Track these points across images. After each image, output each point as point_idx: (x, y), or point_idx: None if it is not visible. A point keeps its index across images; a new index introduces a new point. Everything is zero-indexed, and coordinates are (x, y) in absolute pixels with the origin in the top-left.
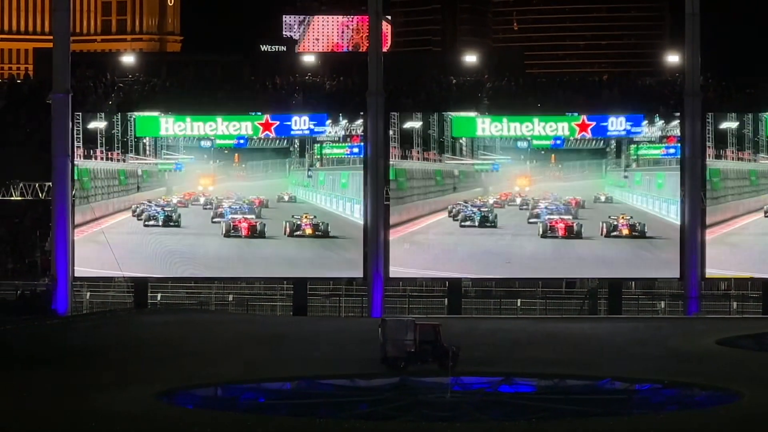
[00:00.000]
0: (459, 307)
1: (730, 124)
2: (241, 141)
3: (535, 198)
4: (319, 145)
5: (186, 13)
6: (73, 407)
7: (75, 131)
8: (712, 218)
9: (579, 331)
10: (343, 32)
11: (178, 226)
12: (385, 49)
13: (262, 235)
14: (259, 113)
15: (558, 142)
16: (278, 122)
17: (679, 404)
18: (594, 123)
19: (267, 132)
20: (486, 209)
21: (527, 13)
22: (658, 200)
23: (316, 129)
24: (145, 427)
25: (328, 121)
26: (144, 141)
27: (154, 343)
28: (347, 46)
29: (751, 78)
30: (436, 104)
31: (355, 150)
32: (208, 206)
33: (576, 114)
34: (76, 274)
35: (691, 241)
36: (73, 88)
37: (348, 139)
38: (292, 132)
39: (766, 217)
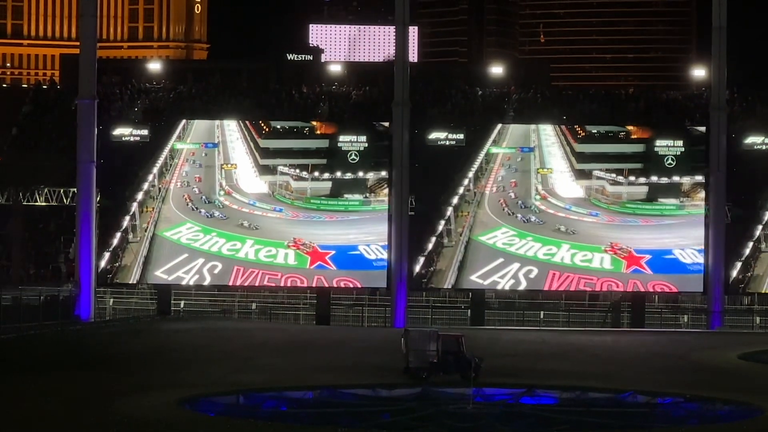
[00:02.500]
0: (482, 318)
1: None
2: None
3: None
4: None
5: (213, 20)
6: (95, 413)
7: None
8: None
9: (602, 344)
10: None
11: None
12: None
13: None
14: None
15: None
16: None
17: (700, 418)
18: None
19: None
20: None
21: (554, 25)
22: None
23: None
24: None
25: None
26: None
27: (177, 350)
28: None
29: None
30: (462, 115)
31: None
32: None
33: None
34: None
35: (714, 255)
36: (99, 95)
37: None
38: None
39: None
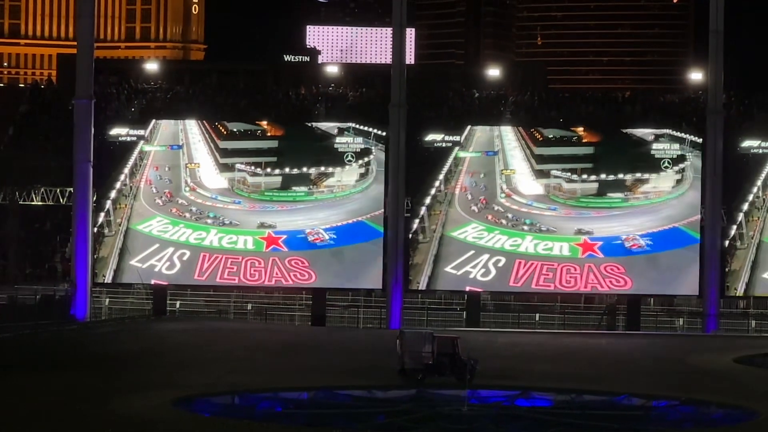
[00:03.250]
0: (477, 320)
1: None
2: None
3: None
4: None
5: (210, 21)
6: (91, 412)
7: None
8: None
9: (597, 347)
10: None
11: None
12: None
13: None
14: None
15: None
16: None
17: (695, 421)
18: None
19: None
20: None
21: (551, 28)
22: None
23: None
24: None
25: None
26: None
27: (172, 350)
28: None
29: None
30: (459, 117)
31: None
32: None
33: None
34: None
35: (710, 258)
36: (96, 95)
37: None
38: None
39: None
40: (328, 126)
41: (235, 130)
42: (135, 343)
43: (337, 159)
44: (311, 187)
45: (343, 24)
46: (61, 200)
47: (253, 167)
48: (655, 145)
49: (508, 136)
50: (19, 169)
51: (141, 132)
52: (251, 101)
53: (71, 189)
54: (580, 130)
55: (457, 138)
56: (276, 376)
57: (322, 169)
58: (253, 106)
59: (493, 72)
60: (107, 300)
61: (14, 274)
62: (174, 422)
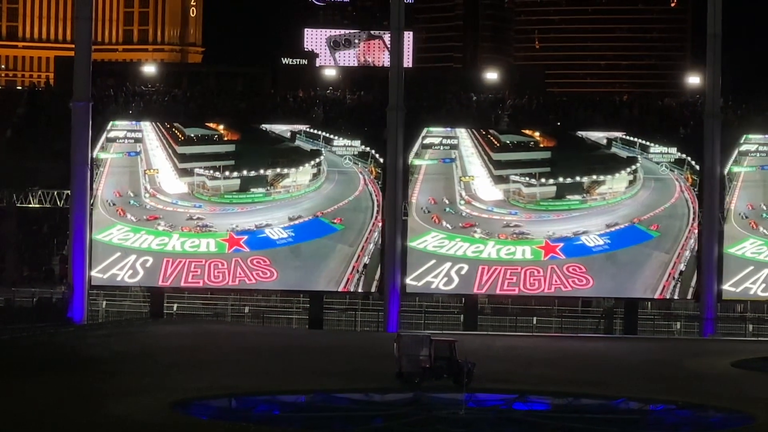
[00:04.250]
0: (475, 324)
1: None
2: None
3: None
4: None
5: (208, 24)
6: (88, 415)
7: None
8: None
9: (594, 350)
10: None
11: None
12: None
13: None
14: None
15: None
16: None
17: (693, 425)
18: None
19: None
20: None
21: (549, 31)
22: None
23: None
24: None
25: None
26: None
27: (170, 352)
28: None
29: None
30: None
31: None
32: None
33: None
34: None
35: (707, 261)
36: (94, 97)
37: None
38: None
39: None
40: (282, 129)
41: (192, 135)
42: (132, 345)
43: (292, 161)
44: (268, 188)
45: (342, 27)
46: (59, 203)
47: (211, 171)
48: (608, 149)
49: (465, 142)
50: (16, 171)
51: (138, 135)
52: (249, 104)
53: (69, 191)
54: (536, 135)
55: (454, 141)
56: (273, 380)
57: (278, 170)
58: (251, 109)
59: (491, 75)
60: (104, 302)
61: (11, 277)
62: (171, 425)
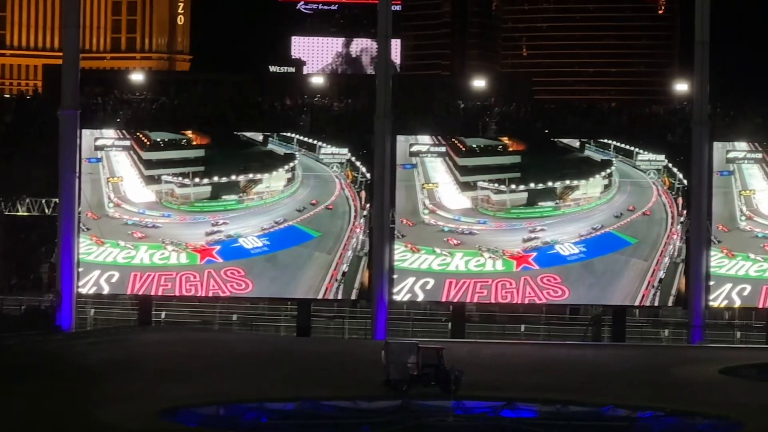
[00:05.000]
0: (462, 331)
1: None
2: None
3: None
4: None
5: (195, 32)
6: (76, 423)
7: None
8: None
9: (582, 358)
10: None
11: None
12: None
13: None
14: None
15: None
16: None
17: None
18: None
19: None
20: None
21: (537, 39)
22: None
23: None
24: None
25: None
26: None
27: (158, 360)
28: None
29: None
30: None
31: None
32: None
33: None
34: None
35: (695, 269)
36: (82, 105)
37: None
38: None
39: None
40: (253, 132)
41: (158, 139)
42: (120, 353)
43: (265, 165)
44: (241, 194)
45: (329, 35)
46: (47, 211)
47: (180, 178)
48: (581, 152)
49: (427, 147)
50: (4, 179)
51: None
52: (237, 112)
53: (57, 199)
54: (504, 138)
55: (442, 149)
56: (261, 387)
57: (251, 176)
58: (239, 117)
59: (479, 82)
60: (92, 310)
61: None
62: None
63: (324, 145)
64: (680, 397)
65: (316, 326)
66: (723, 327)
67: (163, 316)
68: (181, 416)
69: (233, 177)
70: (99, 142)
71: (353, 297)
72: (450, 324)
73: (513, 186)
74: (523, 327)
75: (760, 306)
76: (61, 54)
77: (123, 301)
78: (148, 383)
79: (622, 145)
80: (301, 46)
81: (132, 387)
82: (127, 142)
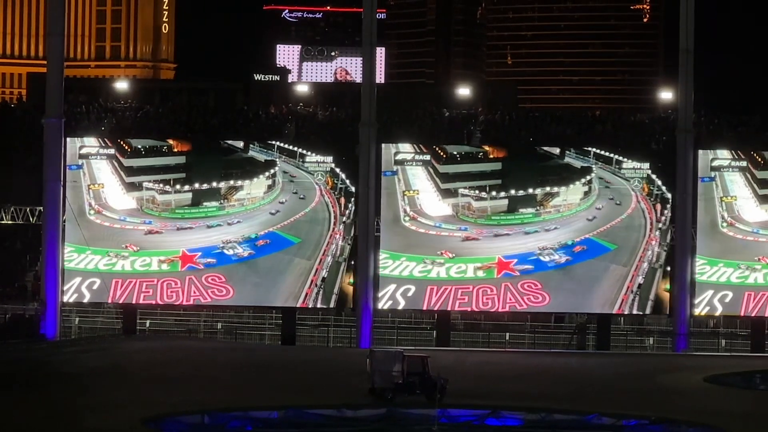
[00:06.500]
0: (447, 340)
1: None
2: None
3: None
4: None
5: (180, 40)
6: (61, 430)
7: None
8: None
9: (567, 366)
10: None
11: None
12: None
13: None
14: None
15: None
16: None
17: None
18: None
19: None
20: None
21: (521, 47)
22: None
23: None
24: None
25: None
26: None
27: (142, 369)
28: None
29: (745, 115)
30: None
31: None
32: None
33: None
34: None
35: (680, 276)
36: (66, 113)
37: None
38: None
39: None
40: (233, 140)
41: (139, 146)
42: (105, 361)
43: (246, 172)
44: (222, 201)
45: (314, 43)
46: (31, 219)
47: (161, 185)
48: (561, 159)
49: (408, 155)
50: None
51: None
52: (221, 120)
53: (41, 208)
54: (485, 145)
55: (427, 157)
56: (246, 395)
57: (232, 182)
58: (224, 125)
59: (464, 91)
60: (77, 319)
61: None
62: None
63: (309, 153)
64: (665, 405)
65: (300, 334)
66: (707, 335)
67: (147, 324)
68: (166, 425)
69: (214, 184)
70: (83, 151)
71: (332, 304)
72: (435, 332)
73: (494, 193)
74: (508, 335)
75: (742, 314)
76: (45, 62)
77: (107, 310)
78: (132, 391)
79: (602, 152)
80: (286, 54)
81: (117, 395)
82: (111, 151)
